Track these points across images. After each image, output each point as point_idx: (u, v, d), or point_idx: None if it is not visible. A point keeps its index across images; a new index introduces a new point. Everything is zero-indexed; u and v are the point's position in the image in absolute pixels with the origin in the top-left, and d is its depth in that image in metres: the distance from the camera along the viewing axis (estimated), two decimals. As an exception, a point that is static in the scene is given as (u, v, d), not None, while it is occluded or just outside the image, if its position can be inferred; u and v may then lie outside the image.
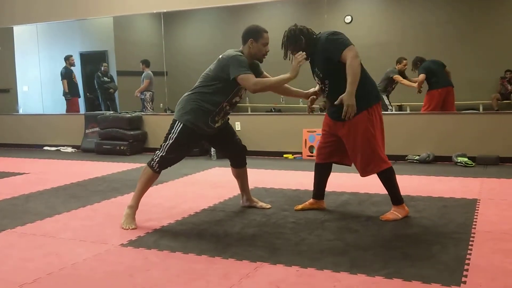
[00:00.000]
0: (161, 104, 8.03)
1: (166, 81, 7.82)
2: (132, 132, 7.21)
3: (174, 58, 8.06)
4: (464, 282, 2.28)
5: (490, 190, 4.17)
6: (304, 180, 4.87)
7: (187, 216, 3.60)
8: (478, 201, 3.79)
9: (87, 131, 7.79)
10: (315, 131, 6.37)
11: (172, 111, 8.00)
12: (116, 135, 7.25)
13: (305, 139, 6.41)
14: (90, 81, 9.01)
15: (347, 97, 3.17)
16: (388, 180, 3.38)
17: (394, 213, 3.37)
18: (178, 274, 2.51)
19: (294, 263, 2.59)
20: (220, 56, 3.35)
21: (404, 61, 6.72)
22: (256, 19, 7.83)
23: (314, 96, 3.58)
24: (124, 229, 3.28)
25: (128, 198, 4.24)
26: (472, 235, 2.97)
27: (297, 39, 3.34)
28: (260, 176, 5.10)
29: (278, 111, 7.87)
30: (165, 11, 7.34)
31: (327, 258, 2.66)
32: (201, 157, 6.64)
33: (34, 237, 3.22)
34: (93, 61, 9.13)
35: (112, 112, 7.88)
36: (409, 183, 4.54)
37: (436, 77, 6.23)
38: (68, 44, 8.88)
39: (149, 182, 3.42)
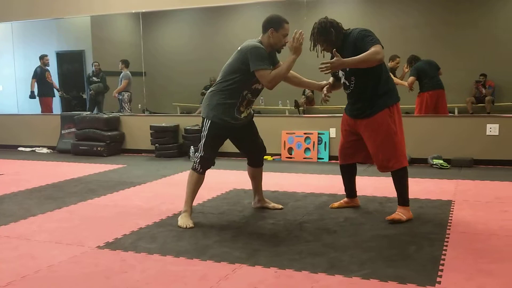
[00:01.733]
0: (139, 105, 7.96)
1: (144, 82, 7.76)
2: (109, 133, 7.13)
3: (152, 58, 8.00)
4: (439, 282, 2.32)
5: (464, 192, 4.25)
6: (283, 181, 4.89)
7: (165, 218, 3.57)
8: (453, 202, 3.86)
9: (63, 131, 7.68)
10: (294, 133, 6.40)
11: (151, 112, 7.96)
12: (93, 136, 7.15)
13: (284, 141, 6.43)
14: (67, 81, 8.87)
15: (340, 61, 3.20)
16: (402, 179, 3.42)
17: (399, 214, 3.39)
18: (155, 276, 2.49)
19: (273, 265, 2.59)
20: (240, 48, 3.33)
21: (397, 59, 6.61)
22: (236, 20, 7.84)
23: (328, 87, 3.55)
24: (182, 227, 3.30)
25: (105, 200, 4.21)
26: (447, 235, 3.02)
27: (327, 32, 3.35)
28: (239, 178, 5.09)
29: (258, 113, 7.87)
30: (144, 11, 7.29)
31: (305, 259, 2.67)
32: (180, 158, 6.61)
33: (8, 239, 3.16)
34: (69, 60, 9.00)
35: (89, 112, 7.78)
36: (386, 185, 4.59)
37: (428, 79, 6.20)
38: (45, 43, 8.73)
39: (197, 184, 3.45)
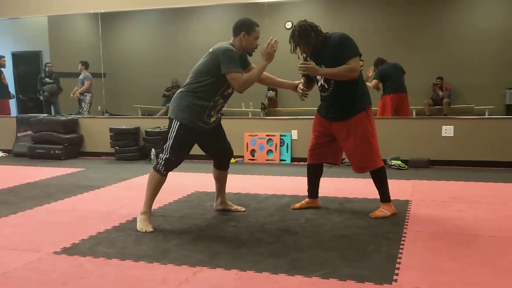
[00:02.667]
0: (99, 107, 7.81)
1: (104, 83, 7.62)
2: (67, 136, 6.95)
3: (112, 59, 7.87)
4: (396, 280, 2.37)
5: (421, 192, 4.37)
6: (245, 183, 4.90)
7: (125, 222, 3.52)
8: (410, 202, 3.96)
9: (19, 134, 7.44)
10: (256, 135, 6.42)
11: (111, 114, 7.80)
12: (50, 139, 6.96)
13: (247, 143, 6.45)
14: (23, 82, 8.61)
15: (316, 68, 3.33)
16: (381, 177, 3.54)
17: (382, 211, 3.53)
18: (114, 281, 2.45)
19: (234, 267, 2.59)
20: (211, 49, 3.28)
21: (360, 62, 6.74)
22: (198, 21, 7.80)
23: (303, 83, 3.59)
24: (141, 232, 3.24)
25: (63, 204, 4.10)
26: (404, 234, 3.10)
27: (308, 35, 3.37)
28: (202, 180, 5.07)
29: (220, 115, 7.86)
30: (102, 11, 7.17)
31: (267, 260, 2.68)
32: (141, 161, 6.52)
33: (-41, 246, 3.03)
34: (26, 61, 8.74)
35: (46, 114, 7.57)
36: (347, 186, 4.68)
37: (391, 82, 6.34)
38: (0, 43, 8.45)
39: (158, 186, 3.37)
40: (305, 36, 3.38)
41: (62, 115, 7.27)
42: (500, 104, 6.84)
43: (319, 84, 3.52)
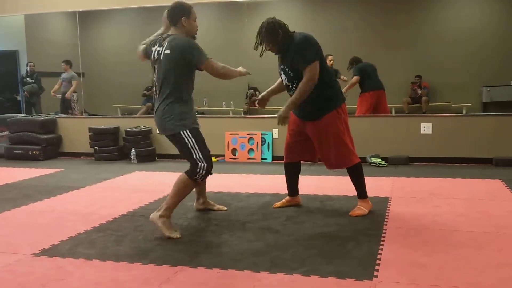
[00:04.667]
0: (78, 107, 7.71)
1: (82, 83, 7.52)
2: (45, 136, 6.85)
3: (91, 58, 7.76)
4: (376, 276, 2.40)
5: (400, 189, 4.42)
6: (227, 182, 4.89)
7: (105, 222, 3.48)
8: (389, 198, 4.01)
9: (-5, 135, 7.31)
10: (237, 134, 6.42)
11: (90, 114, 7.70)
12: (28, 139, 6.85)
13: (228, 142, 6.44)
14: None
15: (285, 109, 3.35)
16: (357, 174, 3.56)
17: (361, 208, 3.55)
18: (94, 282, 2.42)
19: (215, 266, 2.59)
20: (169, 50, 3.10)
21: (329, 57, 6.80)
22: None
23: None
24: (173, 237, 3.09)
25: (41, 205, 4.05)
26: (384, 231, 3.14)
27: (275, 33, 3.35)
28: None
29: (201, 114, 7.84)
30: (80, 10, 7.08)
31: (248, 259, 2.69)
32: (121, 161, 6.46)
33: None
34: (2, 61, 8.57)
35: (23, 114, 7.44)
36: (327, 183, 4.71)
37: (370, 79, 6.42)
38: (-26, 42, 8.28)
39: (189, 192, 3.28)
40: (272, 34, 3.36)
41: (39, 115, 7.16)
42: (477, 102, 6.96)
43: (284, 84, 3.53)
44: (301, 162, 3.77)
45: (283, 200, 3.85)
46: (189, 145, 3.16)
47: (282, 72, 3.47)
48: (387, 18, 7.27)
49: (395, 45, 7.24)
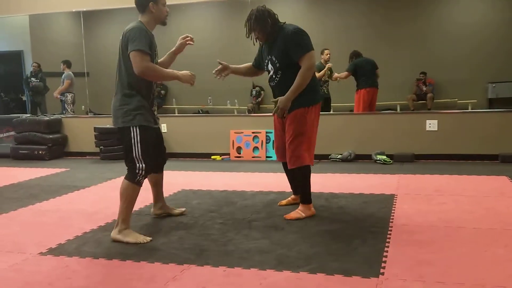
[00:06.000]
0: (83, 106, 7.73)
1: (87, 82, 7.55)
2: (51, 136, 6.89)
3: (95, 58, 7.79)
4: (382, 273, 2.40)
5: (406, 186, 4.41)
6: (232, 181, 4.90)
7: (111, 222, 3.49)
8: (395, 196, 4.00)
9: (1, 135, 7.35)
10: (242, 132, 6.42)
11: (95, 113, 7.73)
12: (33, 139, 6.89)
13: (233, 140, 6.44)
14: (4, 83, 8.49)
15: (284, 101, 3.30)
16: (304, 177, 3.47)
17: (298, 212, 3.47)
18: (101, 281, 2.43)
19: (221, 264, 2.59)
20: (121, 41, 3.06)
21: (326, 51, 6.79)
22: (181, 19, 7.76)
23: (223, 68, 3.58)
24: (139, 243, 2.97)
25: (47, 205, 4.07)
26: (389, 228, 3.13)
27: (264, 21, 3.33)
28: (188, 178, 5.06)
29: (206, 113, 7.85)
30: (84, 10, 7.10)
31: (254, 257, 2.69)
32: (126, 160, 6.47)
33: None
34: (7, 61, 8.62)
35: (29, 115, 7.48)
36: (332, 181, 4.70)
37: (366, 76, 6.44)
38: (-21, 43, 8.33)
39: (136, 198, 3.12)
40: (262, 22, 3.33)
41: (45, 115, 7.19)
42: (482, 98, 6.94)
43: (269, 75, 3.49)
44: None
45: (289, 199, 3.85)
46: (132, 142, 3.02)
47: (269, 62, 3.44)
48: (391, 15, 7.25)
49: (400, 42, 7.23)
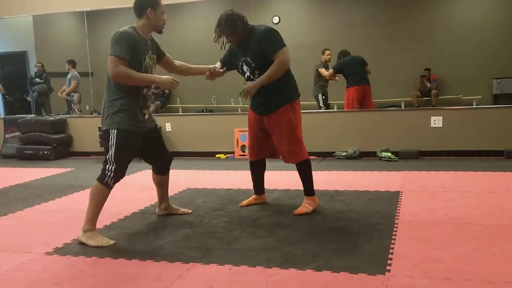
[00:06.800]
0: (87, 106, 7.76)
1: (91, 82, 7.56)
2: (56, 136, 6.91)
3: (99, 58, 7.79)
4: (389, 271, 2.39)
5: (411, 183, 4.39)
6: (237, 179, 4.90)
7: (117, 221, 3.50)
8: (400, 193, 3.99)
9: (6, 135, 7.38)
10: (246, 131, 6.41)
11: (99, 113, 7.74)
12: (38, 139, 6.91)
13: (237, 139, 6.44)
14: (9, 83, 8.52)
15: (252, 85, 3.34)
16: (306, 170, 3.51)
17: (305, 206, 3.51)
18: (107, 280, 2.44)
19: (227, 262, 2.59)
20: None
21: (327, 52, 6.81)
22: (183, 18, 7.77)
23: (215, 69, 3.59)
24: (100, 246, 2.92)
25: (53, 204, 4.08)
26: (395, 225, 3.12)
27: (234, 25, 3.35)
28: (193, 177, 5.07)
29: (210, 111, 7.85)
30: (88, 9, 7.11)
31: (260, 255, 2.69)
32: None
33: (-51, 250, 3.00)
34: (11, 62, 8.65)
35: (34, 115, 7.50)
36: (337, 178, 4.70)
37: (353, 74, 6.41)
38: (-17, 44, 8.36)
39: (104, 200, 3.09)
40: (232, 26, 3.36)
41: (50, 115, 7.21)
42: (487, 94, 6.92)
43: (245, 76, 3.50)
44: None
45: (250, 198, 3.82)
46: (109, 143, 3.03)
47: (243, 63, 3.45)
48: (395, 12, 7.23)
49: (403, 39, 7.21)
